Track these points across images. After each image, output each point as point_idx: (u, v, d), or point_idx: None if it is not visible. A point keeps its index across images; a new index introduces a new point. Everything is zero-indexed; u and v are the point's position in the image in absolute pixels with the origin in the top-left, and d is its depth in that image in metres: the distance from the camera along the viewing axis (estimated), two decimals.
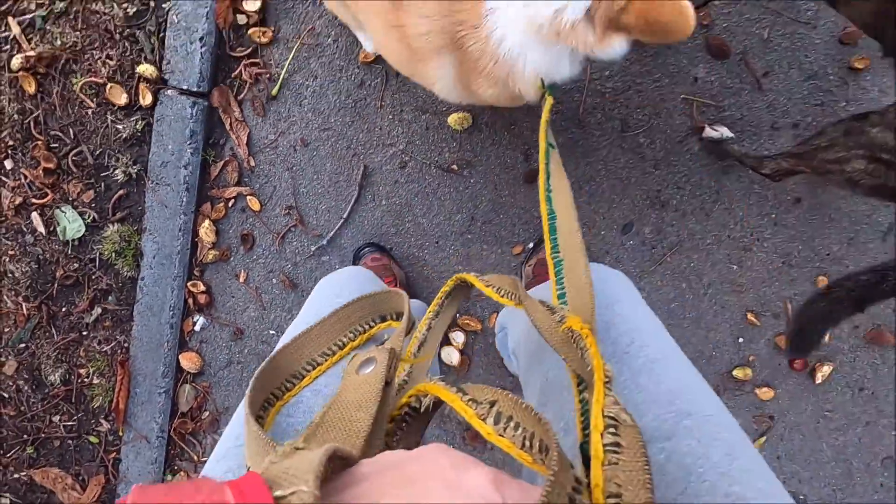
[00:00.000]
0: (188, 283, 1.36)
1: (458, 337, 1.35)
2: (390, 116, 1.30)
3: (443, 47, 0.78)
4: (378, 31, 0.86)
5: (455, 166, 1.31)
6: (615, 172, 1.31)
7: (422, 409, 0.40)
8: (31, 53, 1.23)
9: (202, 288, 1.37)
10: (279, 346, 0.47)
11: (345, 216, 1.33)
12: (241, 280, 1.37)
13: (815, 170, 1.09)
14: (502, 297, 0.52)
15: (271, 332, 1.41)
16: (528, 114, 1.29)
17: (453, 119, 1.28)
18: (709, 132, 1.27)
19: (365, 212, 1.34)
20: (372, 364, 0.41)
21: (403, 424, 0.40)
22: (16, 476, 1.41)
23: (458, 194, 1.32)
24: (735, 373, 1.35)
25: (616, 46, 0.70)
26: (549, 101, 0.77)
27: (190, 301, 1.37)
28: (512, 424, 0.33)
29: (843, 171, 0.99)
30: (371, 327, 0.53)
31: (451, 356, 1.35)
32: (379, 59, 1.28)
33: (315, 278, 1.37)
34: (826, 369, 1.34)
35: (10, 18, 1.24)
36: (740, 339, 1.35)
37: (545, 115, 0.71)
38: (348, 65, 1.29)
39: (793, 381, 1.37)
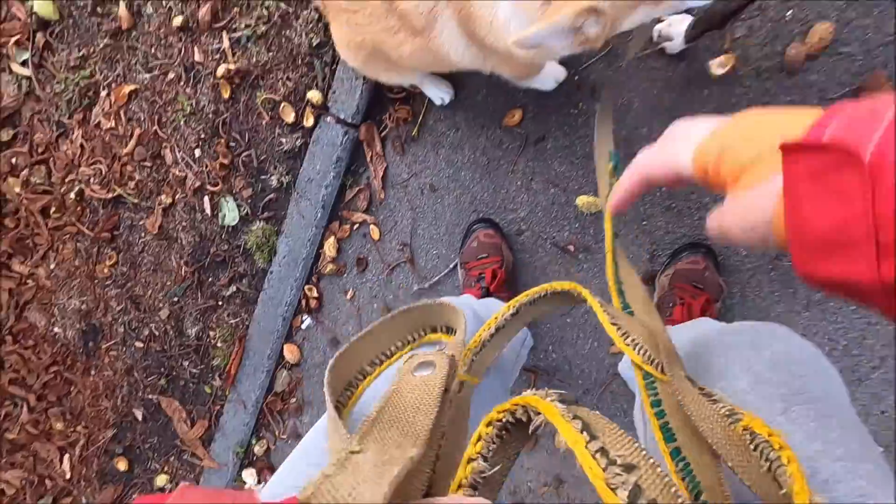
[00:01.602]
0: (305, 287, 1.51)
1: None
2: (519, 182, 1.28)
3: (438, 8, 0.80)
4: (389, 43, 0.91)
5: (572, 247, 1.25)
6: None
7: (530, 430, 0.33)
8: (232, 66, 1.44)
9: (315, 294, 1.51)
10: (336, 354, 0.47)
11: (451, 266, 1.36)
12: (349, 297, 1.48)
13: None
14: (633, 349, 0.42)
15: None
16: (665, 213, 1.17)
17: (582, 200, 1.22)
18: None
19: None
20: (429, 368, 0.40)
21: (503, 433, 0.34)
22: (150, 397, 1.73)
23: (568, 276, 1.27)
24: None
25: None
26: (609, 172, 0.61)
27: (303, 302, 1.53)
28: None
29: None
30: (421, 337, 0.53)
31: None
32: (521, 124, 1.26)
33: None
34: None
35: (223, 33, 1.45)
36: None
37: (606, 198, 0.57)
38: (491, 123, 1.29)
39: None
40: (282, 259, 1.50)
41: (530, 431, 0.33)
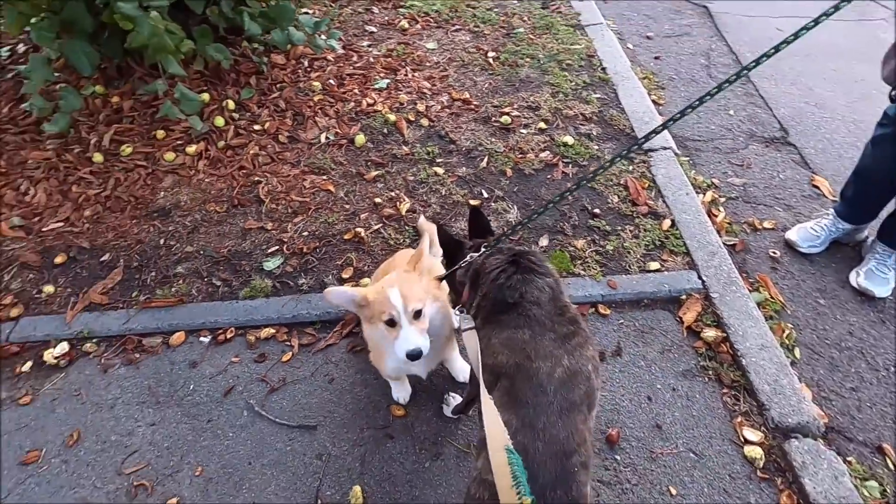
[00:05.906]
0: None
1: None
2: (361, 449, 1.71)
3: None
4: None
5: None
6: None
7: None
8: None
9: None
10: None
11: None
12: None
13: None
14: None
15: None
16: None
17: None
18: None
19: None
20: None
21: None
22: None
23: None
24: None
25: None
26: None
27: None
28: None
29: None
30: None
31: None
32: (394, 420, 1.79)
33: None
34: None
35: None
36: None
37: None
38: (383, 402, 1.82)
39: None
40: None
41: None
